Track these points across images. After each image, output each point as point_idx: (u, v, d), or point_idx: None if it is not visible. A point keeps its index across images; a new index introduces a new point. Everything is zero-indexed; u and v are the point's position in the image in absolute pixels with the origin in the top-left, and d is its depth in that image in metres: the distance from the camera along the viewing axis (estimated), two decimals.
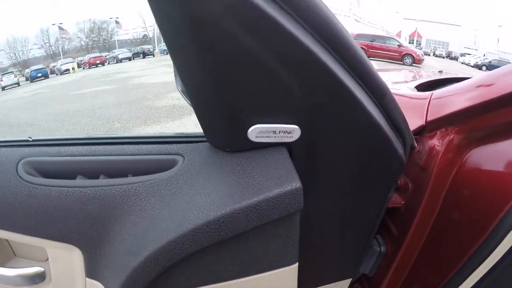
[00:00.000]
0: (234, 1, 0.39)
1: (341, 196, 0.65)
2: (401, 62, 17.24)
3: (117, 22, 37.99)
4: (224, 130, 0.52)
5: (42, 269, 0.61)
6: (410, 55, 17.61)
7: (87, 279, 0.59)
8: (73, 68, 21.67)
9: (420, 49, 29.82)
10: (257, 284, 0.58)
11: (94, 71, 19.99)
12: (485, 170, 0.70)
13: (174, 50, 0.46)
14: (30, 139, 0.66)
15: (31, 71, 20.93)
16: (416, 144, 0.73)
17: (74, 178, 0.58)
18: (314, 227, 0.65)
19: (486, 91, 0.66)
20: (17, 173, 0.57)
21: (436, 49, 41.53)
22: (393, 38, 19.17)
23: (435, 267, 0.81)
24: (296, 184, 0.49)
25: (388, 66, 12.60)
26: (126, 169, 0.58)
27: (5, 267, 0.62)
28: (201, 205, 0.49)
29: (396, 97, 0.62)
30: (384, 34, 20.10)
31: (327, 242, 0.72)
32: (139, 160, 0.59)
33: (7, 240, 0.63)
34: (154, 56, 27.07)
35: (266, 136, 0.51)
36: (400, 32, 49.67)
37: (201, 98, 0.50)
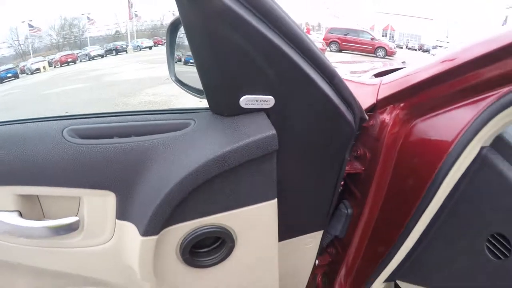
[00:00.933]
0: (222, 8, 0.56)
1: (305, 154, 0.80)
2: (374, 55, 17.68)
3: (88, 19, 37.12)
4: (223, 100, 0.70)
5: (77, 218, 0.70)
6: (383, 48, 18.09)
7: (117, 221, 0.71)
8: (44, 67, 21.01)
9: (393, 42, 30.39)
10: (249, 216, 0.74)
11: (66, 69, 19.46)
12: (424, 138, 0.86)
13: (192, 44, 0.63)
14: (67, 113, 0.77)
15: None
16: (367, 116, 0.89)
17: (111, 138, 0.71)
18: (287, 182, 0.79)
19: (420, 75, 0.83)
20: (63, 137, 0.68)
21: (408, 42, 42.33)
22: (366, 32, 19.54)
23: (391, 224, 0.96)
24: (272, 131, 0.68)
25: (362, 59, 12.84)
26: (152, 130, 0.72)
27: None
28: (211, 147, 0.66)
29: (354, 84, 0.85)
30: (358, 27, 20.34)
31: (298, 196, 0.87)
32: (162, 124, 0.74)
33: (38, 199, 0.71)
34: (127, 52, 26.53)
35: (251, 104, 0.68)
36: (373, 26, 50.45)
37: (208, 78, 0.68)
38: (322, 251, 1.21)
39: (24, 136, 0.68)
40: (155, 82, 9.22)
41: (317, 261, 1.11)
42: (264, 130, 0.67)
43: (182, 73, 0.92)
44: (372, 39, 18.50)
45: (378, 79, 1.01)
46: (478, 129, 0.73)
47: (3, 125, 0.72)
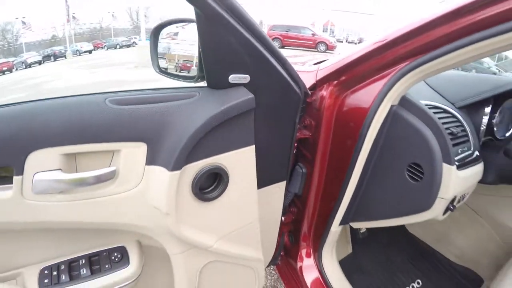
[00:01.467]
0: (216, 13, 0.79)
1: (269, 115, 1.03)
2: (316, 50, 18.25)
3: (23, 23, 34.80)
4: (218, 78, 0.91)
5: (114, 168, 0.85)
6: (324, 43, 18.66)
7: (146, 167, 0.88)
8: None
9: (334, 37, 31.27)
10: (237, 156, 0.97)
11: (1, 79, 18.27)
12: (353, 106, 1.13)
13: (201, 39, 0.85)
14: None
15: None
16: (309, 92, 1.18)
17: None
18: (258, 138, 1.01)
19: (346, 60, 1.11)
20: (106, 104, 0.84)
21: (348, 37, 43.80)
22: (307, 28, 19.87)
23: (336, 178, 1.23)
24: (251, 96, 0.92)
25: (304, 53, 13.18)
26: (171, 99, 0.91)
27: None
28: (213, 107, 0.88)
29: (300, 72, 1.11)
30: (299, 24, 20.83)
31: (266, 148, 1.08)
32: (177, 94, 0.93)
33: (75, 157, 0.84)
34: (66, 57, 25.14)
35: (236, 80, 0.91)
36: (314, 22, 51.48)
37: (209, 63, 0.89)
38: (285, 211, 1.44)
39: (73, 104, 0.83)
40: (98, 87, 9.09)
41: (283, 218, 1.36)
42: (246, 95, 0.91)
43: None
44: (313, 34, 18.93)
45: (316, 66, 1.28)
46: (386, 92, 1.02)
47: (54, 99, 0.86)
